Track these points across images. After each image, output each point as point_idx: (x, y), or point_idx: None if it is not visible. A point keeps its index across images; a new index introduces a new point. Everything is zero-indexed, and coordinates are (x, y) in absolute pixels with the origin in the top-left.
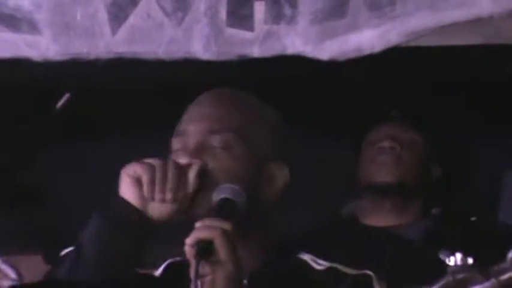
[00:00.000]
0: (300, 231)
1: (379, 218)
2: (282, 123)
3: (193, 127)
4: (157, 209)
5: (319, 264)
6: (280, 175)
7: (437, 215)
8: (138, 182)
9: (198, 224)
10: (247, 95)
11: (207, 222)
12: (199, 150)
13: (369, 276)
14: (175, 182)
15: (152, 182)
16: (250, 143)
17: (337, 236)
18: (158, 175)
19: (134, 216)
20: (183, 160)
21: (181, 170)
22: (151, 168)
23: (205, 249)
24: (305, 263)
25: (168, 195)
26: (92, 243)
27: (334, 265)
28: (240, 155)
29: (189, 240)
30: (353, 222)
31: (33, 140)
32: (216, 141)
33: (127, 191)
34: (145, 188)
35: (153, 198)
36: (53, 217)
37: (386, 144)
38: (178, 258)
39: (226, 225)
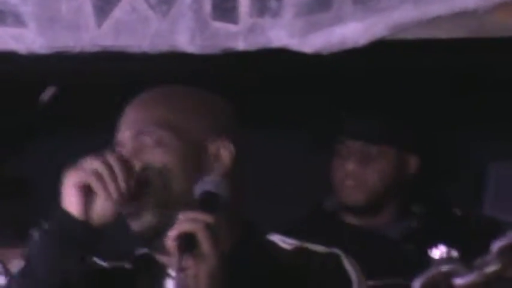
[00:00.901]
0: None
1: (356, 217)
2: (221, 103)
3: (128, 133)
4: (101, 211)
5: (288, 244)
6: (224, 152)
7: (419, 214)
8: (81, 189)
9: (180, 217)
10: (178, 86)
11: (190, 215)
12: (137, 154)
13: (338, 254)
14: (123, 174)
15: (100, 180)
16: (183, 132)
17: (315, 230)
18: (105, 171)
19: (80, 229)
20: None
21: (126, 163)
22: (96, 167)
23: (187, 242)
24: (273, 243)
25: (117, 191)
26: (40, 262)
27: (303, 244)
28: (175, 147)
29: (171, 233)
30: (333, 217)
31: (18, 133)
32: (148, 141)
33: (70, 203)
34: (98, 191)
35: (105, 196)
36: (39, 210)
37: (350, 166)
38: (146, 250)
39: (209, 218)
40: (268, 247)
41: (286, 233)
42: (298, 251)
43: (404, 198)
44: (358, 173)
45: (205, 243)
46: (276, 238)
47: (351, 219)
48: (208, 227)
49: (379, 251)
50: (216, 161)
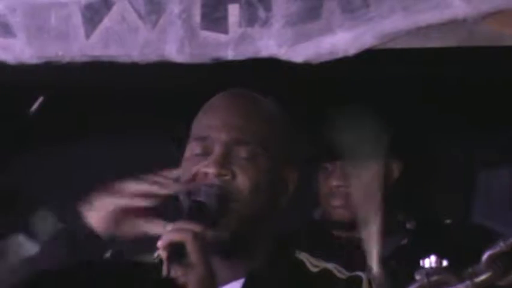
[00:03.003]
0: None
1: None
2: (291, 125)
3: (216, 134)
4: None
5: (314, 265)
6: (292, 180)
7: (411, 230)
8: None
9: (169, 227)
10: (261, 99)
11: (179, 225)
12: (226, 160)
13: (360, 279)
14: None
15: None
16: (271, 153)
17: (310, 243)
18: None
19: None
20: (210, 169)
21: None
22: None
23: (176, 251)
24: (301, 262)
25: None
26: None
27: (328, 266)
28: (264, 166)
29: (160, 243)
30: (321, 229)
31: (7, 143)
32: (242, 152)
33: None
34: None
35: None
36: (26, 222)
37: (334, 183)
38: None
39: (198, 228)
40: (296, 266)
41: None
42: (322, 274)
43: (390, 207)
44: (342, 190)
45: (193, 253)
46: (304, 257)
47: (338, 232)
48: (196, 236)
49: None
50: (284, 187)
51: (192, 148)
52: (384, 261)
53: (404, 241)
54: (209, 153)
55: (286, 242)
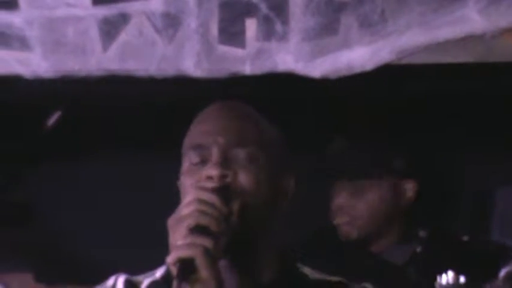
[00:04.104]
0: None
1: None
2: (282, 135)
3: (212, 140)
4: None
5: (317, 279)
6: (290, 186)
7: (425, 238)
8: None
9: (179, 242)
10: (251, 108)
11: (188, 240)
12: (227, 162)
13: None
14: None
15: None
16: (269, 156)
17: (324, 251)
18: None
19: None
20: (213, 171)
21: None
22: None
23: (186, 267)
24: (305, 275)
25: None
26: None
27: (331, 278)
28: (264, 168)
29: (170, 259)
30: (335, 239)
31: (23, 157)
32: (241, 154)
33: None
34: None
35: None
36: (43, 235)
37: (341, 201)
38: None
39: (208, 243)
40: (301, 279)
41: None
42: (326, 286)
43: (407, 224)
44: (349, 208)
45: (203, 268)
46: (307, 271)
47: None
48: (206, 251)
49: (381, 274)
50: (283, 193)
51: (190, 158)
52: (400, 268)
53: (419, 248)
54: (208, 159)
55: (289, 255)
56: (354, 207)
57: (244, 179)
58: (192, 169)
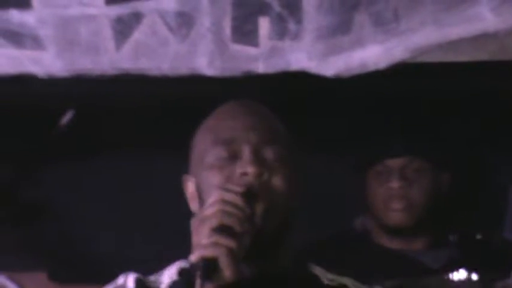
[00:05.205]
0: (310, 241)
1: (392, 240)
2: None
3: (244, 136)
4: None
5: (329, 280)
6: (302, 185)
7: (456, 242)
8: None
9: (203, 241)
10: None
11: (212, 239)
12: (261, 160)
13: None
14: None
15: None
16: (292, 156)
17: (349, 251)
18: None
19: None
20: (249, 169)
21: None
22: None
23: (209, 267)
24: (316, 277)
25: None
26: None
27: (343, 280)
28: (290, 169)
29: (193, 258)
30: (365, 238)
31: (36, 157)
32: (270, 153)
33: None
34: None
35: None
36: (57, 234)
37: (395, 184)
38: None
39: (231, 243)
40: (312, 281)
41: (317, 253)
42: None
43: (441, 221)
44: (404, 193)
45: (226, 268)
46: (319, 272)
47: (385, 242)
48: (230, 251)
49: (416, 276)
50: (298, 192)
51: (217, 153)
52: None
53: (452, 254)
54: (237, 155)
55: (302, 257)
56: (408, 192)
57: (275, 179)
58: (219, 164)
